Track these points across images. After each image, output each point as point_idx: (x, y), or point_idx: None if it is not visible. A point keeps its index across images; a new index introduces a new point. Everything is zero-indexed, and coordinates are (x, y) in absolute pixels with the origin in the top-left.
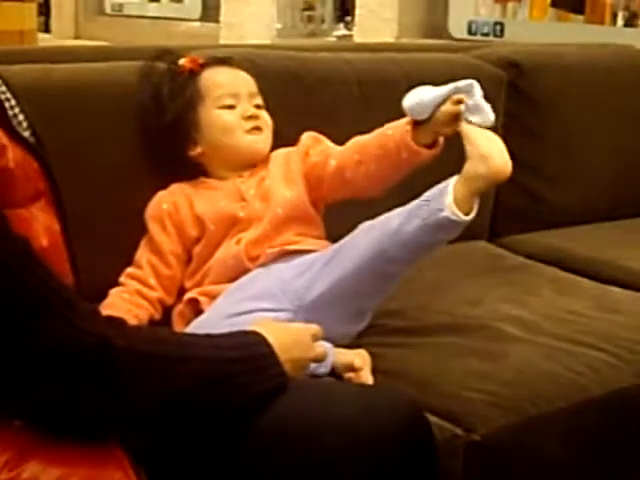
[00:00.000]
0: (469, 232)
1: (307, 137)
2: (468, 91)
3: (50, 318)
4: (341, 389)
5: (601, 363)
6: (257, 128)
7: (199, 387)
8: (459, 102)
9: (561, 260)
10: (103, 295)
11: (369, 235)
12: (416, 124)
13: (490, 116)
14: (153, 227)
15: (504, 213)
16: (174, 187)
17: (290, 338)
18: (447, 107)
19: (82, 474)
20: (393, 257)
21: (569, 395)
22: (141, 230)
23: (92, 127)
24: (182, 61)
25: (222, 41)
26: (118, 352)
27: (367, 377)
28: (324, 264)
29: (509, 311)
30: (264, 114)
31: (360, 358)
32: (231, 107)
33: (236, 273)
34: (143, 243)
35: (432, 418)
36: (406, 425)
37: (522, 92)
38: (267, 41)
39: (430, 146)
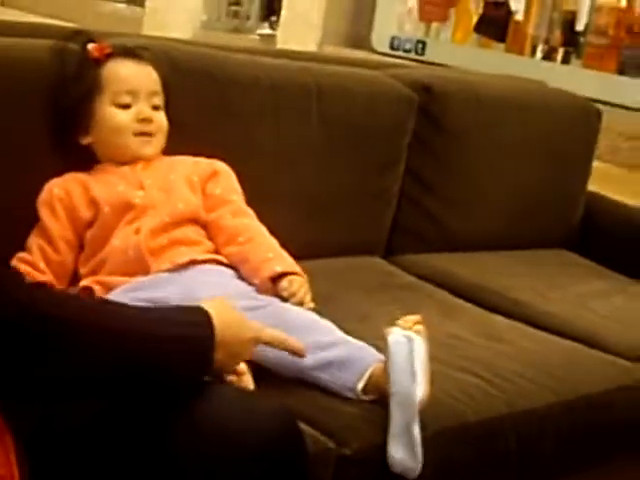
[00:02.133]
0: (365, 247)
1: (223, 167)
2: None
3: None
4: (221, 393)
5: (476, 390)
6: (147, 134)
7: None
8: None
9: (451, 284)
10: None
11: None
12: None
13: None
14: (43, 212)
15: (401, 232)
16: (68, 175)
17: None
18: None
19: None
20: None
21: (444, 419)
22: (36, 216)
23: None
24: (90, 47)
25: (146, 26)
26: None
27: (248, 382)
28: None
29: None
30: (159, 117)
31: (244, 363)
32: (126, 106)
33: (135, 266)
34: (35, 228)
35: (307, 429)
36: (280, 434)
37: (431, 116)
38: (189, 32)
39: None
